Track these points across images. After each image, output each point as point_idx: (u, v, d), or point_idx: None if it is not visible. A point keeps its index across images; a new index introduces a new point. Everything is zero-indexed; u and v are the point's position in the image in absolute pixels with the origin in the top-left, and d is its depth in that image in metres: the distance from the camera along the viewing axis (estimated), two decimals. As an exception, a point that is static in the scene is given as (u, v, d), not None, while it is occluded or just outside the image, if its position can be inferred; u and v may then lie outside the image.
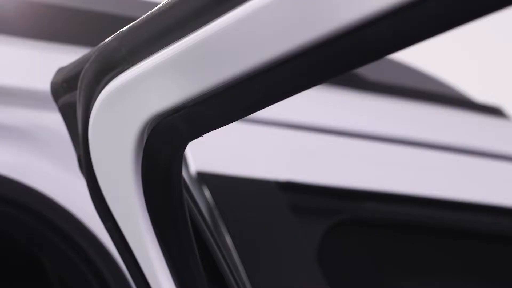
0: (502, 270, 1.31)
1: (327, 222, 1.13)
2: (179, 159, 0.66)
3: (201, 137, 0.63)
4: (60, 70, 0.73)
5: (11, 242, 1.16)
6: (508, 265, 1.31)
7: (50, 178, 1.00)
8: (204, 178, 1.01)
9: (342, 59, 0.53)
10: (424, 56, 1.91)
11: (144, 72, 0.60)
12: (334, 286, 1.08)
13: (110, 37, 0.62)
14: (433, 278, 1.25)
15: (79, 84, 0.66)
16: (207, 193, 1.00)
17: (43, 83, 0.99)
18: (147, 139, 0.62)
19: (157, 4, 0.61)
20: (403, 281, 1.23)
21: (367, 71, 1.37)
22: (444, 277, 1.25)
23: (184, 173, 0.71)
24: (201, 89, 0.58)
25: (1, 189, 0.96)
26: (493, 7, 0.46)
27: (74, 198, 0.99)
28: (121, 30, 0.62)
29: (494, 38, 2.81)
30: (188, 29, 0.57)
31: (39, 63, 1.09)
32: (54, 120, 1.00)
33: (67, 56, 0.92)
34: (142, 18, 0.60)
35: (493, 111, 1.55)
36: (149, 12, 0.59)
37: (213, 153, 1.06)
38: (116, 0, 1.31)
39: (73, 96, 0.69)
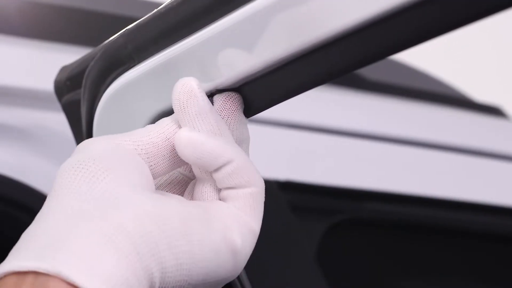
0: (502, 270, 1.31)
1: (327, 222, 1.13)
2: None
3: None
4: (63, 68, 0.72)
5: (11, 242, 1.16)
6: (508, 265, 1.31)
7: (50, 178, 0.99)
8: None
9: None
10: (424, 56, 1.91)
11: (150, 70, 0.60)
12: (334, 286, 1.08)
13: (116, 35, 0.62)
14: (433, 278, 1.25)
15: (83, 82, 0.66)
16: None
17: (44, 83, 0.99)
18: (153, 138, 0.62)
19: (161, 3, 0.61)
20: (403, 281, 1.23)
21: (367, 71, 1.37)
22: (444, 277, 1.25)
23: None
24: (208, 88, 0.58)
25: (1, 189, 0.96)
26: (494, 9, 0.46)
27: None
28: (127, 27, 0.62)
29: (494, 38, 2.82)
30: (196, 27, 0.57)
31: (39, 63, 1.09)
32: (54, 120, 1.00)
33: (67, 56, 0.92)
34: (149, 15, 0.60)
35: (493, 111, 1.55)
36: (156, 9, 0.59)
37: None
38: (116, 0, 1.31)
39: (77, 94, 0.69)
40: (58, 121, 0.93)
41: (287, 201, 1.09)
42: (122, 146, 0.56)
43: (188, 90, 0.56)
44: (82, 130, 0.68)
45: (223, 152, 0.56)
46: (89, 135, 0.67)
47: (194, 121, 0.56)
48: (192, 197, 0.60)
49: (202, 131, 0.56)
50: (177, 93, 0.56)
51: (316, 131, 1.21)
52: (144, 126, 0.59)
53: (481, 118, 1.49)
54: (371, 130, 1.25)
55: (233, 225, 0.56)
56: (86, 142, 0.56)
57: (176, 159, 0.58)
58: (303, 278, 1.05)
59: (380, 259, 1.22)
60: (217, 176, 0.57)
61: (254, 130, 1.16)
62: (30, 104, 1.03)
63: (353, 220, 1.17)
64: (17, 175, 0.97)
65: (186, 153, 0.56)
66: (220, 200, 0.58)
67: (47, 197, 0.54)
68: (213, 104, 0.58)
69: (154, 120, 0.62)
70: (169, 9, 0.58)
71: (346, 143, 1.22)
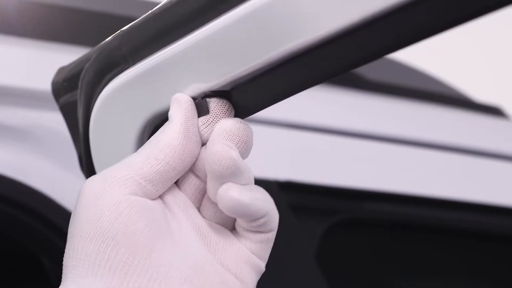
0: (502, 270, 1.31)
1: (327, 222, 1.13)
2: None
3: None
4: (61, 70, 0.73)
5: (11, 242, 1.16)
6: (508, 265, 1.31)
7: (50, 178, 1.00)
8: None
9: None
10: (424, 56, 1.91)
11: (145, 71, 0.60)
12: (334, 286, 1.08)
13: (110, 36, 0.62)
14: (432, 278, 1.25)
15: (80, 83, 0.66)
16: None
17: (43, 83, 0.99)
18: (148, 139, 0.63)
19: (157, 3, 0.61)
20: (403, 281, 1.23)
21: (367, 71, 1.37)
22: (444, 277, 1.25)
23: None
24: (202, 89, 0.58)
25: (1, 189, 0.96)
26: (493, 7, 0.46)
27: (74, 198, 0.99)
28: (122, 29, 0.62)
29: (494, 38, 2.81)
30: (190, 28, 0.57)
31: (39, 63, 1.09)
32: (54, 120, 1.00)
33: (67, 56, 0.92)
34: (143, 17, 0.60)
35: (493, 111, 1.55)
36: (150, 10, 0.60)
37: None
38: (116, 0, 1.31)
39: (74, 95, 0.69)
40: (58, 121, 0.93)
41: (287, 201, 1.09)
42: (135, 201, 0.55)
43: (229, 165, 0.55)
44: (79, 132, 0.68)
45: (262, 209, 0.56)
46: (86, 136, 0.67)
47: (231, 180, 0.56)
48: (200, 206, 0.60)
49: (240, 187, 0.56)
50: (215, 165, 0.55)
51: (316, 131, 1.21)
52: (139, 129, 0.60)
53: (481, 118, 1.49)
54: (370, 130, 1.25)
55: (246, 277, 0.57)
56: (94, 194, 0.57)
57: (179, 174, 0.58)
58: (303, 278, 1.05)
59: (379, 259, 1.22)
60: (247, 223, 0.57)
61: (254, 130, 1.17)
62: (30, 104, 1.03)
63: (352, 220, 1.17)
64: (17, 175, 0.98)
65: (231, 212, 0.56)
66: (232, 231, 0.58)
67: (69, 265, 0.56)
68: (208, 106, 0.58)
69: (150, 121, 0.62)
70: (162, 10, 0.58)
71: (346, 143, 1.22)
